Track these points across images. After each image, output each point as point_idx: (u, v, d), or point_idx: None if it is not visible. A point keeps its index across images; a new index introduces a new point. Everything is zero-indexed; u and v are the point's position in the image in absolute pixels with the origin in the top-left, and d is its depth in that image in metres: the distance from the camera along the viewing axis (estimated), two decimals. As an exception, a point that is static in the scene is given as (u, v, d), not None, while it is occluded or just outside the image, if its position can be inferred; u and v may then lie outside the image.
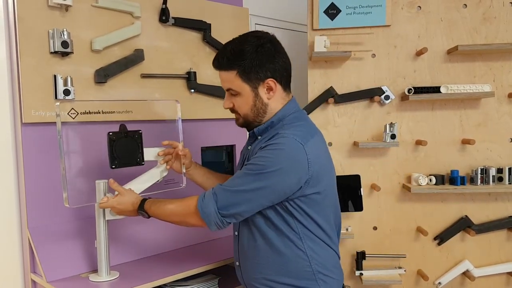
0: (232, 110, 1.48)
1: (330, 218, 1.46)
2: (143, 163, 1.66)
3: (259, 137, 1.47)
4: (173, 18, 2.01)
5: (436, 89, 2.17)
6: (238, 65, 1.38)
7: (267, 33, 1.45)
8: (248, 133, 1.57)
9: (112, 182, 1.57)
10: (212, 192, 1.37)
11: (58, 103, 1.51)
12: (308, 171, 1.34)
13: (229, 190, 1.35)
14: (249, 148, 1.51)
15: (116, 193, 1.58)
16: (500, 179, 2.17)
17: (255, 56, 1.37)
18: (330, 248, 1.45)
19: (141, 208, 1.51)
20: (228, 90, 1.45)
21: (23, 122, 1.63)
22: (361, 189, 2.19)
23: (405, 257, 2.24)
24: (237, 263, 1.55)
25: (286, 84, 1.46)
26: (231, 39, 1.45)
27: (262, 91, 1.42)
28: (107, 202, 1.55)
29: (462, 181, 2.16)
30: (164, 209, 1.48)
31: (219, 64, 1.43)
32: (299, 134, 1.36)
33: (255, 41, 1.39)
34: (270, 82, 1.40)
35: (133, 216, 1.57)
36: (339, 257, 1.51)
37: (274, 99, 1.44)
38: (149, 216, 1.52)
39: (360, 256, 2.22)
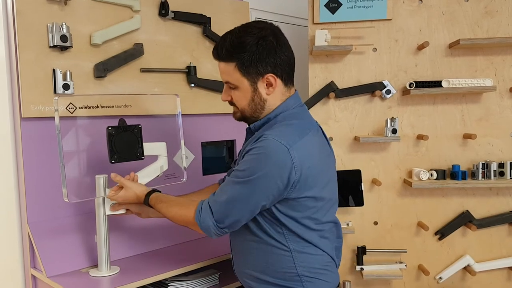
0: (231, 103, 1.44)
1: (324, 220, 1.40)
2: (142, 157, 1.65)
3: (255, 133, 1.42)
4: (172, 12, 1.99)
5: (438, 83, 2.16)
6: (237, 58, 1.32)
7: (270, 24, 1.37)
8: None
9: (114, 176, 1.55)
10: (207, 205, 1.36)
11: (57, 98, 1.50)
12: (294, 174, 1.27)
13: (221, 202, 1.34)
14: (244, 144, 1.48)
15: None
16: (502, 174, 2.16)
17: (256, 49, 1.31)
18: (321, 250, 1.40)
19: (146, 202, 1.52)
20: (226, 82, 1.40)
21: (22, 116, 1.62)
22: (362, 184, 2.19)
23: (406, 252, 2.24)
24: (231, 256, 1.56)
25: (288, 79, 1.39)
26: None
27: (261, 86, 1.36)
28: (113, 196, 1.56)
29: (464, 175, 2.16)
30: (167, 212, 1.48)
31: (218, 54, 1.38)
32: (284, 135, 1.29)
33: (257, 32, 1.32)
34: (270, 77, 1.34)
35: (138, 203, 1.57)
36: (333, 259, 1.46)
37: (274, 95, 1.38)
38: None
39: (361, 251, 2.21)
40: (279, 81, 1.37)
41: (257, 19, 2.70)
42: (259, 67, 1.33)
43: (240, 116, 1.45)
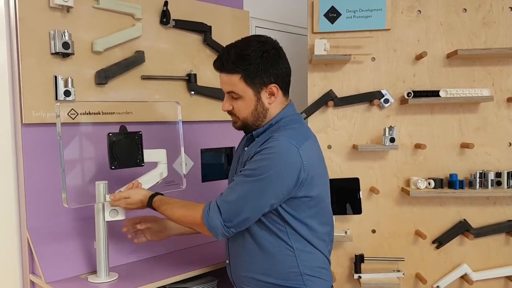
0: (230, 112, 1.49)
1: (322, 221, 1.47)
2: (143, 164, 1.66)
3: (256, 139, 1.48)
4: (173, 20, 2.01)
5: (436, 93, 2.18)
6: (243, 69, 1.38)
7: (270, 38, 1.45)
8: (244, 134, 1.57)
9: (113, 196, 1.58)
10: (215, 205, 1.38)
11: (58, 104, 1.51)
12: (303, 173, 1.36)
13: (230, 201, 1.37)
14: (245, 149, 1.51)
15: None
16: (499, 183, 2.17)
17: (260, 61, 1.38)
18: (318, 250, 1.46)
19: (150, 205, 1.54)
20: (229, 92, 1.45)
21: (23, 122, 1.63)
22: (360, 192, 2.20)
23: (403, 260, 2.24)
24: (227, 261, 1.57)
25: (286, 89, 1.48)
26: (232, 41, 1.45)
27: (264, 95, 1.43)
28: (116, 198, 1.57)
29: (461, 185, 2.16)
30: (171, 213, 1.49)
31: (222, 66, 1.42)
32: (293, 137, 1.37)
33: (260, 46, 1.40)
34: (273, 87, 1.42)
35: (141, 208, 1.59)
36: (328, 260, 1.52)
37: (275, 104, 1.45)
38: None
39: (359, 259, 2.21)
40: (280, 91, 1.44)
41: (257, 28, 2.73)
42: (263, 78, 1.40)
43: (241, 125, 1.49)
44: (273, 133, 1.40)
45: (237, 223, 1.37)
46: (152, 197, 1.54)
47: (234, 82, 1.41)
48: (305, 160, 1.36)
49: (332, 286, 1.52)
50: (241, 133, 1.62)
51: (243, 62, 1.38)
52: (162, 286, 1.65)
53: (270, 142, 1.36)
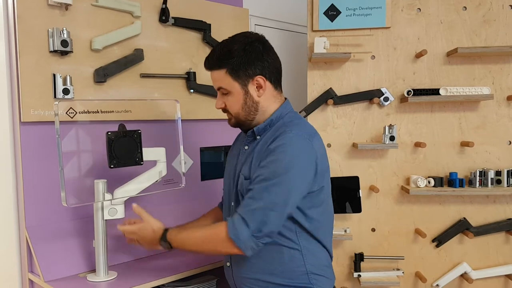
0: (224, 110, 1.49)
1: (326, 216, 1.47)
2: (142, 163, 1.66)
3: (258, 137, 1.46)
4: (173, 18, 2.01)
5: (436, 91, 2.17)
6: (227, 64, 1.40)
7: (256, 33, 1.47)
8: (241, 132, 1.57)
9: (136, 207, 1.56)
10: (240, 217, 1.31)
11: (57, 102, 1.51)
12: (318, 164, 1.37)
13: (256, 209, 1.30)
14: (246, 148, 1.49)
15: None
16: (499, 182, 2.17)
17: (243, 54, 1.39)
18: (323, 246, 1.46)
19: (164, 239, 1.46)
20: (219, 89, 1.46)
21: (21, 121, 1.63)
22: (360, 190, 2.19)
23: (403, 259, 2.24)
24: (228, 264, 1.52)
25: (276, 82, 1.47)
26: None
27: (252, 88, 1.42)
28: (128, 227, 1.54)
29: (461, 183, 2.16)
30: (191, 239, 1.43)
31: (209, 64, 1.45)
32: (304, 130, 1.39)
33: (244, 39, 1.41)
34: (259, 79, 1.41)
35: (153, 247, 1.51)
36: (331, 256, 1.52)
37: (265, 97, 1.44)
38: (171, 248, 1.46)
39: (358, 258, 2.21)
40: (268, 84, 1.44)
41: (256, 26, 2.72)
42: (248, 70, 1.40)
43: (235, 122, 1.49)
44: (279, 130, 1.39)
45: (267, 232, 1.31)
46: (166, 229, 1.48)
47: (221, 77, 1.42)
48: (318, 151, 1.37)
49: (334, 284, 1.52)
50: (238, 131, 1.62)
51: (227, 56, 1.39)
52: (161, 285, 1.65)
53: (282, 139, 1.34)
